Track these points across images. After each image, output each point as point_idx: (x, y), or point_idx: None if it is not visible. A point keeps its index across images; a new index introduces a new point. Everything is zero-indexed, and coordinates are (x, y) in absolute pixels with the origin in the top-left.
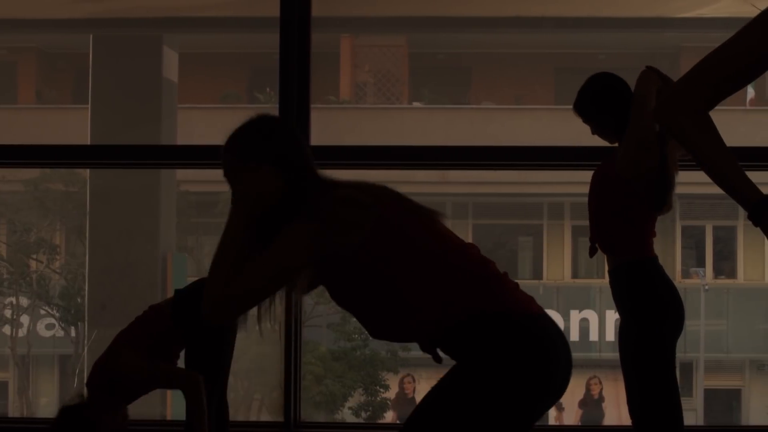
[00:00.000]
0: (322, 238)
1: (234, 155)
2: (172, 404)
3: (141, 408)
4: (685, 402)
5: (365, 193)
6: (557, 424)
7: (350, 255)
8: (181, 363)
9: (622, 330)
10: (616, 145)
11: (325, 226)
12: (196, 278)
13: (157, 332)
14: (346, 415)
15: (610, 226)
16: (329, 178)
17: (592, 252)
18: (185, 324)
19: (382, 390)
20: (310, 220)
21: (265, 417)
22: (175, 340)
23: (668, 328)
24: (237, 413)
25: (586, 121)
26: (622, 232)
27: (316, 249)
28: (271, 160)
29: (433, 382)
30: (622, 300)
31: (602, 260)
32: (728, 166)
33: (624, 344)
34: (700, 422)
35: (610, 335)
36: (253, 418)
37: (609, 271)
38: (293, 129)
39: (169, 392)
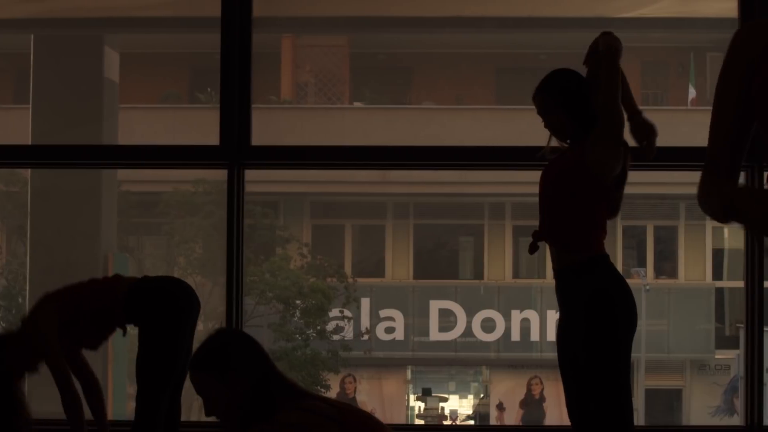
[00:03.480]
0: None
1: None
2: (114, 405)
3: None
4: None
5: (329, 405)
6: (498, 424)
7: None
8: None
9: (566, 330)
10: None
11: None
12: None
13: (96, 308)
14: None
15: (567, 221)
16: (299, 387)
17: (533, 249)
18: (139, 320)
19: (323, 390)
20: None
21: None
22: (109, 323)
23: (623, 326)
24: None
25: (542, 112)
26: (579, 228)
27: None
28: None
29: (374, 383)
30: (574, 298)
31: (544, 260)
32: None
33: (567, 345)
34: (641, 422)
35: (551, 335)
36: (193, 418)
37: (559, 269)
38: (251, 339)
39: (110, 391)
